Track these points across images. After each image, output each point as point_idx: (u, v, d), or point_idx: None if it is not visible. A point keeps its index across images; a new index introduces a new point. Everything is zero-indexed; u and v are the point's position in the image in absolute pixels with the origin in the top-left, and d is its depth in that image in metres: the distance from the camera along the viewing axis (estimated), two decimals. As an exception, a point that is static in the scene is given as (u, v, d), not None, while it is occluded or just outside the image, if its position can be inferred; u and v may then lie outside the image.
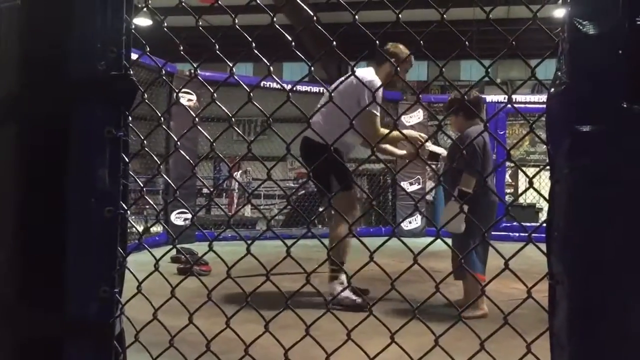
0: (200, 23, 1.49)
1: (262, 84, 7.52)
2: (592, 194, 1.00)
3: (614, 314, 1.00)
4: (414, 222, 8.64)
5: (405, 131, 4.57)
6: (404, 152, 4.66)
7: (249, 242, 1.55)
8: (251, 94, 1.42)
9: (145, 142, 1.42)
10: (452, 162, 4.09)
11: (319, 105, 4.15)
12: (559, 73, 1.05)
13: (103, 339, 1.24)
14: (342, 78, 4.47)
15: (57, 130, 1.22)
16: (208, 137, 1.54)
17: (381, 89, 4.56)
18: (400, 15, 1.34)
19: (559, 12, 9.15)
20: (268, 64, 1.32)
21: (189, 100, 7.38)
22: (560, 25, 1.08)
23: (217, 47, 1.48)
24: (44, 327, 1.23)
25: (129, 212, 1.32)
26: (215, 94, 1.52)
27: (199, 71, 1.60)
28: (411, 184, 8.68)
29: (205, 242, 6.90)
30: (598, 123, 0.99)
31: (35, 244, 1.23)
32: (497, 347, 1.35)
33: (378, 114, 4.25)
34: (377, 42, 1.40)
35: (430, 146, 4.42)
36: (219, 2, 1.45)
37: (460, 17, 11.08)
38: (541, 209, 11.58)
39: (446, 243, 1.59)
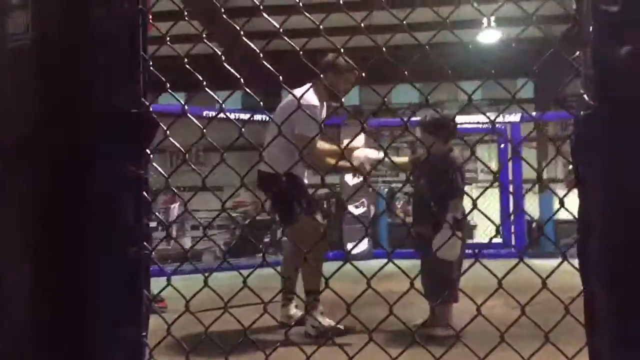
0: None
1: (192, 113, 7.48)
2: (631, 214, 1.04)
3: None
4: (360, 245, 8.69)
5: (355, 156, 4.20)
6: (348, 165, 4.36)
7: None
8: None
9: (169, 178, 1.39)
10: (432, 185, 4.08)
11: (267, 136, 4.02)
12: (586, 97, 1.09)
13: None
14: (282, 102, 4.36)
15: (77, 171, 1.18)
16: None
17: (322, 108, 4.30)
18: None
19: (482, 37, 9.50)
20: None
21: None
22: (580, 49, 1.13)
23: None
24: (66, 376, 1.17)
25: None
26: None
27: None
28: (356, 207, 8.75)
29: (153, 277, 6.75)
30: (634, 146, 1.03)
31: (57, 288, 1.18)
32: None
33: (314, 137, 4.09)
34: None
35: (362, 152, 4.25)
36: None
37: (396, 43, 11.22)
38: (475, 226, 11.89)
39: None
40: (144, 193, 1.23)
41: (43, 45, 1.19)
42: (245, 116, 7.78)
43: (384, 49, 1.32)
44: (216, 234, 11.58)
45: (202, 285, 1.48)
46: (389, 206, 7.04)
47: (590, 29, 1.09)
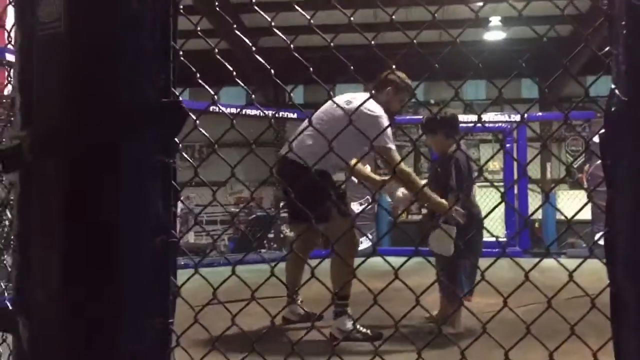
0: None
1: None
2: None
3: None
4: (365, 242, 8.72)
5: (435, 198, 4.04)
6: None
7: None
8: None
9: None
10: (434, 182, 4.11)
11: (301, 128, 3.77)
12: (617, 92, 1.10)
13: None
14: (337, 100, 4.08)
15: (105, 160, 1.18)
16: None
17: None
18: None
19: (488, 36, 9.55)
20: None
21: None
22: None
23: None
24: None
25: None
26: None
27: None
28: (361, 204, 8.77)
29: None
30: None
31: (85, 275, 1.18)
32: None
33: (394, 147, 4.00)
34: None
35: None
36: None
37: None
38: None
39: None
40: (173, 182, 1.24)
41: (76, 34, 1.19)
42: (250, 112, 7.79)
43: (414, 41, 1.32)
44: (218, 229, 11.62)
45: (230, 274, 1.51)
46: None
47: (623, 24, 1.09)
